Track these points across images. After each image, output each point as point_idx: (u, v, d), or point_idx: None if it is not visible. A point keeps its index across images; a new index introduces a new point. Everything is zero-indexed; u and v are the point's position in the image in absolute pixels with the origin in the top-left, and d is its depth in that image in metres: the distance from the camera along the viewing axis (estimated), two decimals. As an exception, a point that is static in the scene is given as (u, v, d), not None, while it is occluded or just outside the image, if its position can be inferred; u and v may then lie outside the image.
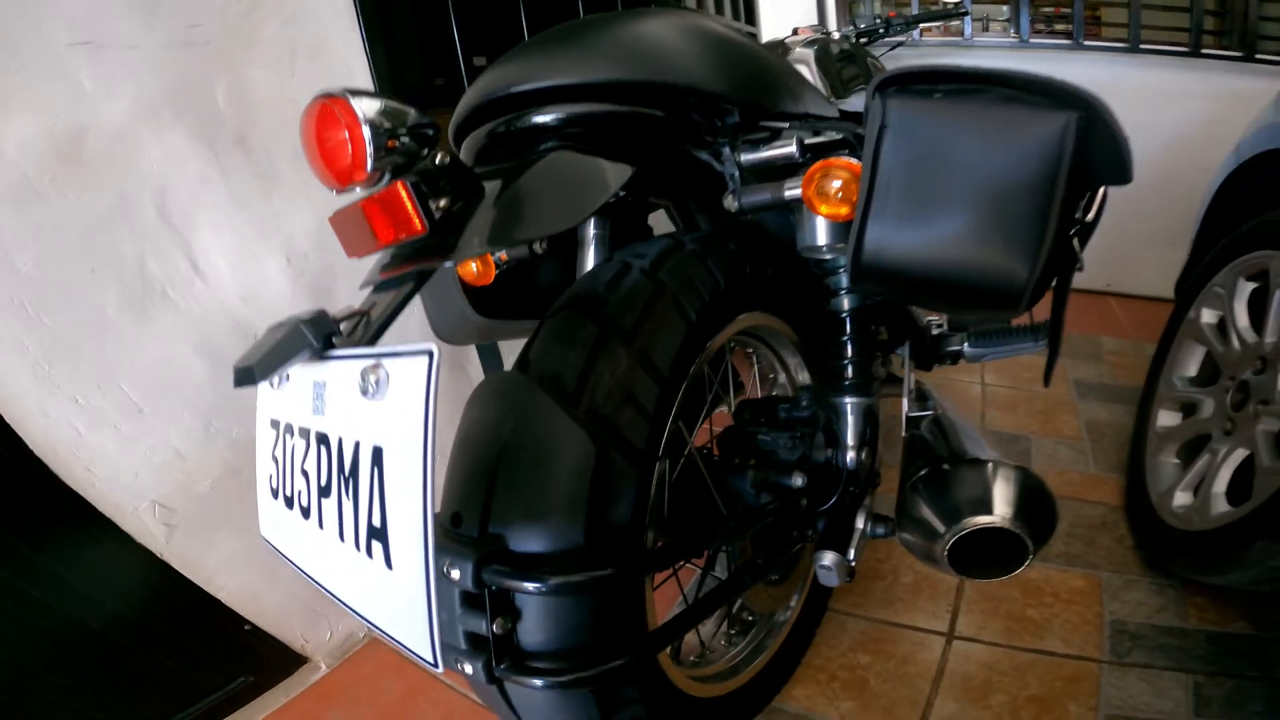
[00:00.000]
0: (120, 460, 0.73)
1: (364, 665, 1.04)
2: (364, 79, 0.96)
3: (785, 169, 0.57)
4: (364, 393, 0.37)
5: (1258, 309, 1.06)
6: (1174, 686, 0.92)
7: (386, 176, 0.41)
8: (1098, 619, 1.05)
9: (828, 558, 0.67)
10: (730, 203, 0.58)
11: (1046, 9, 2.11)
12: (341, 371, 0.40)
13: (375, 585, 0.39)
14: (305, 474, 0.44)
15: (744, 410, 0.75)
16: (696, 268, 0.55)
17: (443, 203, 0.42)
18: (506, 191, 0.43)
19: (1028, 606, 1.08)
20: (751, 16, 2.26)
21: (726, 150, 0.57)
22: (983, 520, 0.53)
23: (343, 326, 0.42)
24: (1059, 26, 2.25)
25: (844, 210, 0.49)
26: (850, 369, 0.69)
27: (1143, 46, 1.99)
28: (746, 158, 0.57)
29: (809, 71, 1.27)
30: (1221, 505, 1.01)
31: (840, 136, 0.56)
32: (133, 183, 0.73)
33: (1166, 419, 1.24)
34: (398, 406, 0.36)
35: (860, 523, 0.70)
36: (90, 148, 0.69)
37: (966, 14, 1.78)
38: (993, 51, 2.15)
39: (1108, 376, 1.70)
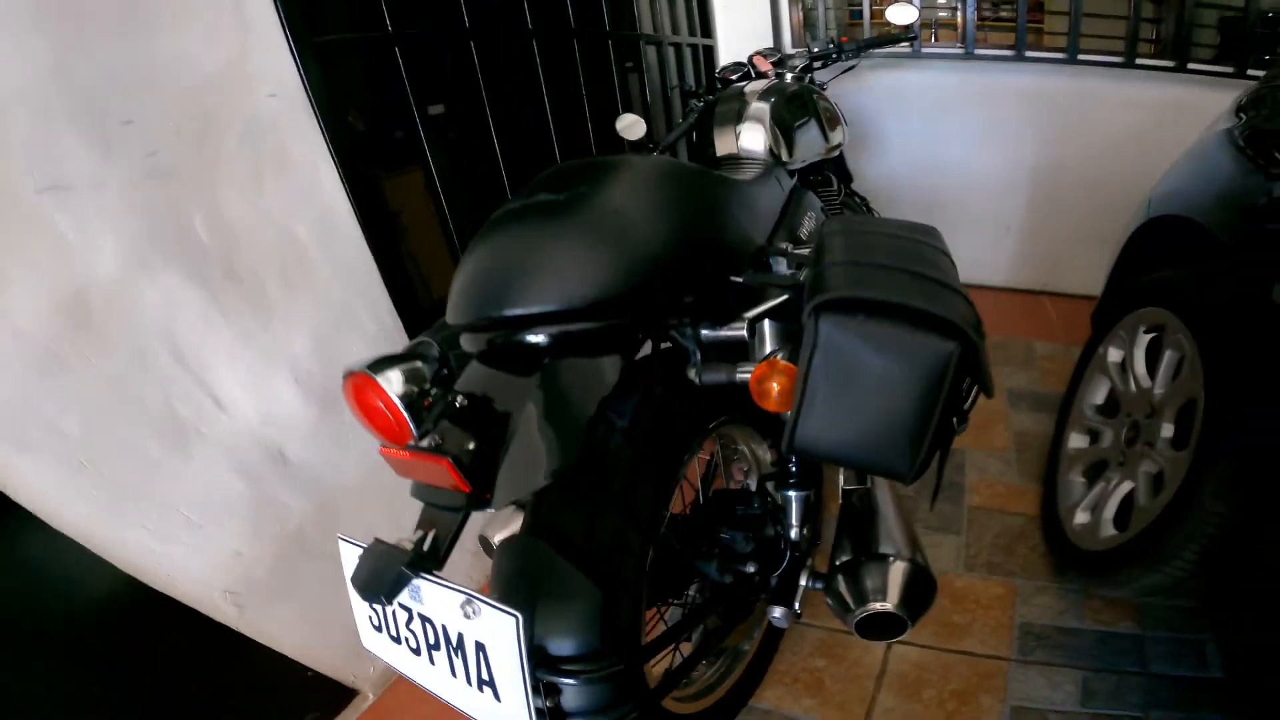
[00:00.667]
0: (191, 565, 0.86)
1: (402, 692, 1.21)
2: (332, 182, 0.99)
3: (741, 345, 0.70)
4: (465, 616, 0.53)
5: (1159, 354, 1.19)
6: (1067, 681, 1.14)
7: (430, 428, 0.54)
8: (1010, 622, 1.26)
9: (778, 610, 0.85)
10: (692, 375, 0.71)
11: (993, 21, 2.19)
12: (438, 593, 0.55)
13: (485, 706, 0.57)
14: (411, 632, 0.59)
15: (709, 506, 0.91)
16: (668, 415, 0.71)
17: (471, 445, 0.54)
18: (522, 430, 0.56)
19: (954, 613, 1.29)
20: (708, 29, 2.30)
21: (688, 330, 0.70)
22: (877, 607, 0.71)
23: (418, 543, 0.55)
24: (999, 38, 2.34)
25: (783, 409, 0.63)
26: (795, 468, 0.85)
27: (1081, 57, 2.10)
28: (705, 334, 0.70)
29: (762, 133, 1.32)
30: (1109, 529, 1.21)
31: (787, 296, 0.71)
32: (142, 335, 0.80)
33: (1076, 441, 1.43)
34: (495, 640, 0.54)
35: (803, 580, 0.87)
36: (95, 307, 0.75)
37: (915, 38, 1.85)
38: (939, 63, 2.23)
39: (1038, 384, 1.90)
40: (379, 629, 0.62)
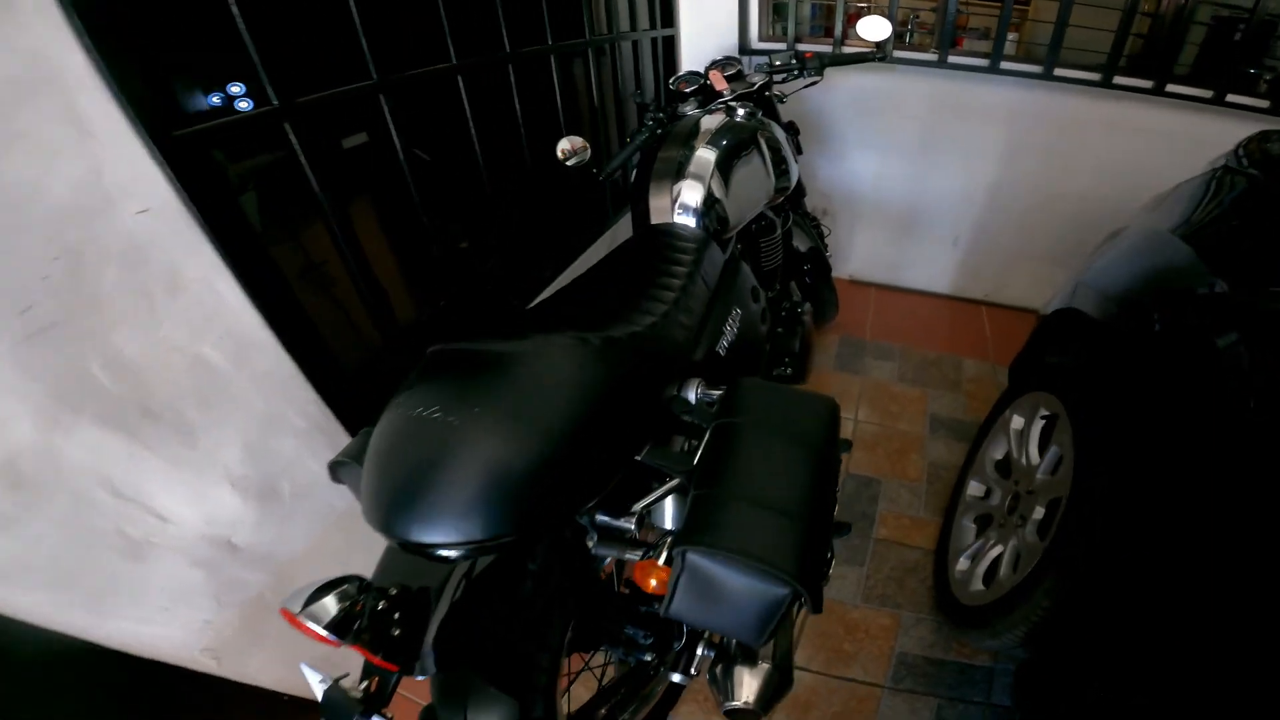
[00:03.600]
0: (169, 636, 0.97)
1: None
2: (233, 294, 0.94)
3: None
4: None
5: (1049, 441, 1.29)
6: (925, 708, 1.36)
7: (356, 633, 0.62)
8: (890, 652, 1.47)
9: (676, 675, 1.00)
10: (591, 547, 0.80)
11: (973, 28, 2.08)
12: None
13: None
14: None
15: (617, 604, 1.03)
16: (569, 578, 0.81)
17: (396, 632, 0.63)
18: (441, 608, 0.65)
19: (845, 641, 1.49)
20: (670, 18, 2.14)
21: (585, 516, 0.78)
22: (739, 704, 0.83)
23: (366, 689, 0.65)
24: (978, 46, 2.23)
25: (661, 592, 0.74)
26: None
27: (1057, 74, 2.04)
28: (601, 520, 0.79)
29: (700, 192, 1.26)
30: (978, 584, 1.38)
31: (678, 481, 0.78)
32: (77, 481, 0.82)
33: (974, 489, 1.58)
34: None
35: (699, 650, 1.01)
36: (25, 471, 0.76)
37: (884, 57, 1.77)
38: (910, 69, 2.14)
39: (961, 409, 2.03)
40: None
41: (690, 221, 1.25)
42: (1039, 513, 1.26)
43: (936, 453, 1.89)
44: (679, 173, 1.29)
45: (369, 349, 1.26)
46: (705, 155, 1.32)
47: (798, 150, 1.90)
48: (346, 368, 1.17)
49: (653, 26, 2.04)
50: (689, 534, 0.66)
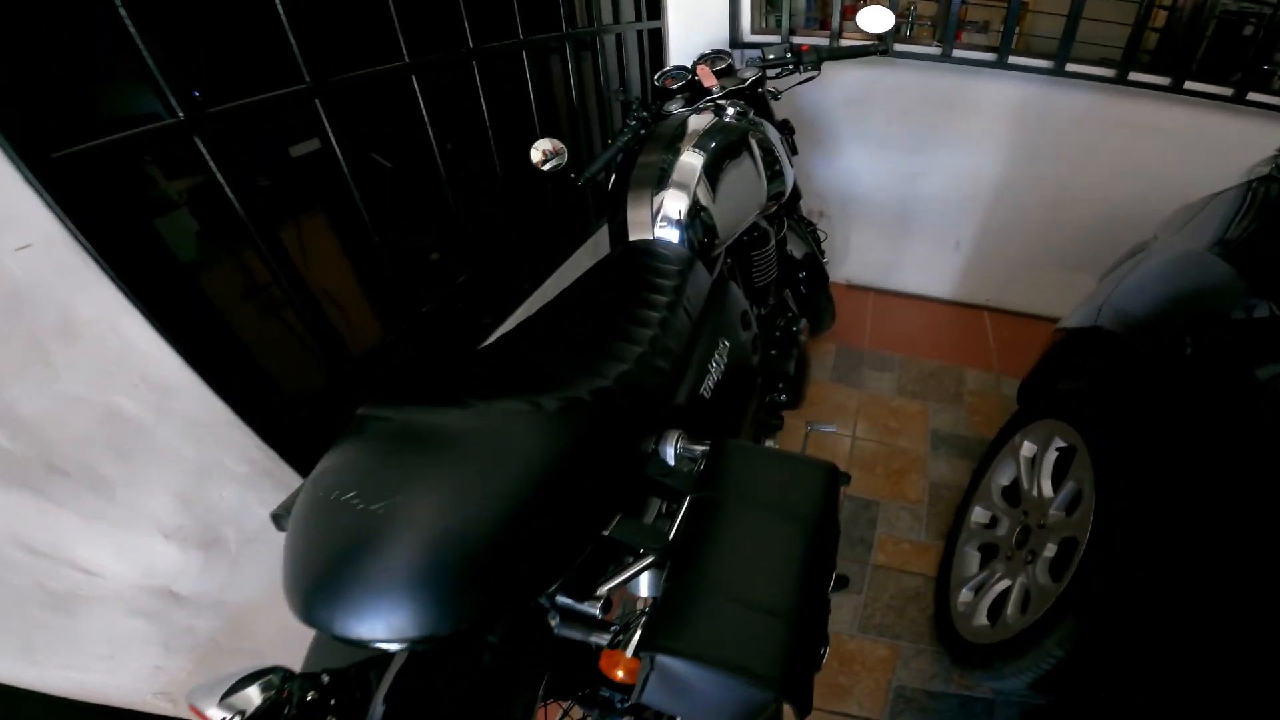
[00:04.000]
0: (116, 683, 0.90)
1: None
2: (143, 335, 0.84)
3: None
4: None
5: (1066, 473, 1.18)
6: (923, 747, 1.28)
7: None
8: (887, 685, 1.39)
9: None
10: (553, 626, 0.71)
11: (971, 21, 1.96)
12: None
13: None
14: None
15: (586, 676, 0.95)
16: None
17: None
18: (387, 697, 0.57)
19: (840, 674, 1.41)
20: (656, 9, 2.01)
21: (545, 598, 0.69)
22: None
23: None
24: (977, 40, 2.12)
25: (630, 682, 0.64)
26: None
27: (1069, 69, 1.93)
28: (562, 602, 0.69)
29: (685, 202, 1.13)
30: (981, 618, 1.30)
31: (651, 560, 0.69)
32: None
33: (979, 515, 1.50)
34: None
35: None
36: None
37: (886, 50, 1.65)
38: (912, 63, 2.02)
39: (963, 425, 1.94)
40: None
41: (673, 236, 1.12)
42: (1051, 550, 1.17)
43: (939, 472, 1.80)
44: (661, 180, 1.15)
45: (322, 381, 1.16)
46: (690, 160, 1.19)
47: (792, 151, 1.79)
48: (299, 403, 1.07)
49: (638, 18, 1.92)
50: (659, 633, 0.58)
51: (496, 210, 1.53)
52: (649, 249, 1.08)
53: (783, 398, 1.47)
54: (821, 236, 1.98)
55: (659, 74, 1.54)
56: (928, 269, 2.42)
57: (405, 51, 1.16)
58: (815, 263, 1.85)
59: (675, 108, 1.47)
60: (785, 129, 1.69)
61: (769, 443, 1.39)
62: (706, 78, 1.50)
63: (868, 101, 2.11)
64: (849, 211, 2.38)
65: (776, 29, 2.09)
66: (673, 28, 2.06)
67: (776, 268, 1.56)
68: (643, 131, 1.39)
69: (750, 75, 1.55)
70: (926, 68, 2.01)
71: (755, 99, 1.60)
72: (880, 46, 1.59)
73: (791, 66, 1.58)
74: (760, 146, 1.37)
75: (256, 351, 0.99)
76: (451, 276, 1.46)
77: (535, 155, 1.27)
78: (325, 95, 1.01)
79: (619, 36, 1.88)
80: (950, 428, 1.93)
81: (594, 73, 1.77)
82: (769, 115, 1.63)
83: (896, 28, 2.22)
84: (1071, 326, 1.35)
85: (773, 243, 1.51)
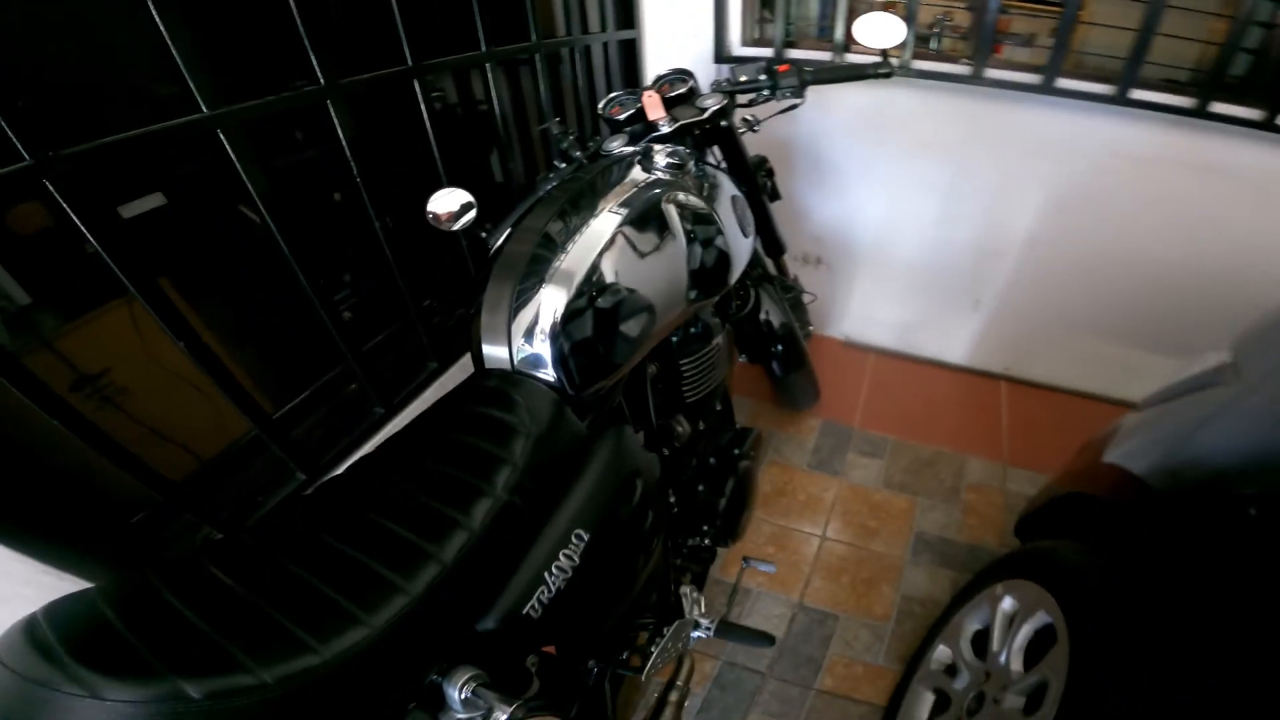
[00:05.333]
0: None
1: None
2: None
3: None
4: None
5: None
6: None
7: None
8: None
9: None
10: None
11: (1014, 33, 1.59)
12: None
13: None
14: None
15: None
16: None
17: None
18: None
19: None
20: (630, 18, 1.75)
21: None
22: None
23: None
24: (1022, 55, 1.74)
25: None
26: None
27: (1133, 96, 1.56)
28: None
29: (555, 306, 0.78)
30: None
31: None
32: None
33: (941, 654, 1.24)
34: None
35: None
36: None
37: (889, 75, 1.34)
38: (936, 85, 1.69)
39: (954, 528, 1.65)
40: None
41: (541, 362, 0.78)
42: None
43: (915, 583, 1.54)
44: (530, 275, 0.79)
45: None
46: (578, 248, 0.82)
47: (772, 196, 1.51)
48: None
49: (604, 29, 1.66)
50: None
51: (386, 278, 1.22)
52: (496, 390, 0.75)
53: (706, 541, 1.23)
54: (807, 300, 1.70)
55: (603, 102, 1.29)
56: (940, 329, 2.09)
57: (322, 74, 0.96)
58: (792, 339, 1.57)
59: (616, 146, 1.21)
60: (759, 170, 1.41)
61: (685, 588, 1.14)
62: (652, 108, 1.20)
63: (878, 130, 1.79)
64: (853, 258, 2.08)
65: (773, 41, 1.78)
66: (649, 39, 1.79)
67: (722, 367, 1.21)
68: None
69: (711, 104, 1.20)
70: (953, 90, 1.67)
71: (718, 134, 1.31)
72: (884, 69, 1.27)
73: (767, 91, 1.29)
74: (696, 218, 0.96)
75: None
76: (324, 367, 1.17)
77: (432, 208, 1.04)
78: (227, 126, 0.83)
79: (584, 49, 1.62)
80: (938, 529, 1.64)
81: (553, 94, 1.51)
82: (737, 154, 1.35)
83: (924, 38, 1.86)
84: (1106, 462, 1.04)
85: (715, 342, 1.14)
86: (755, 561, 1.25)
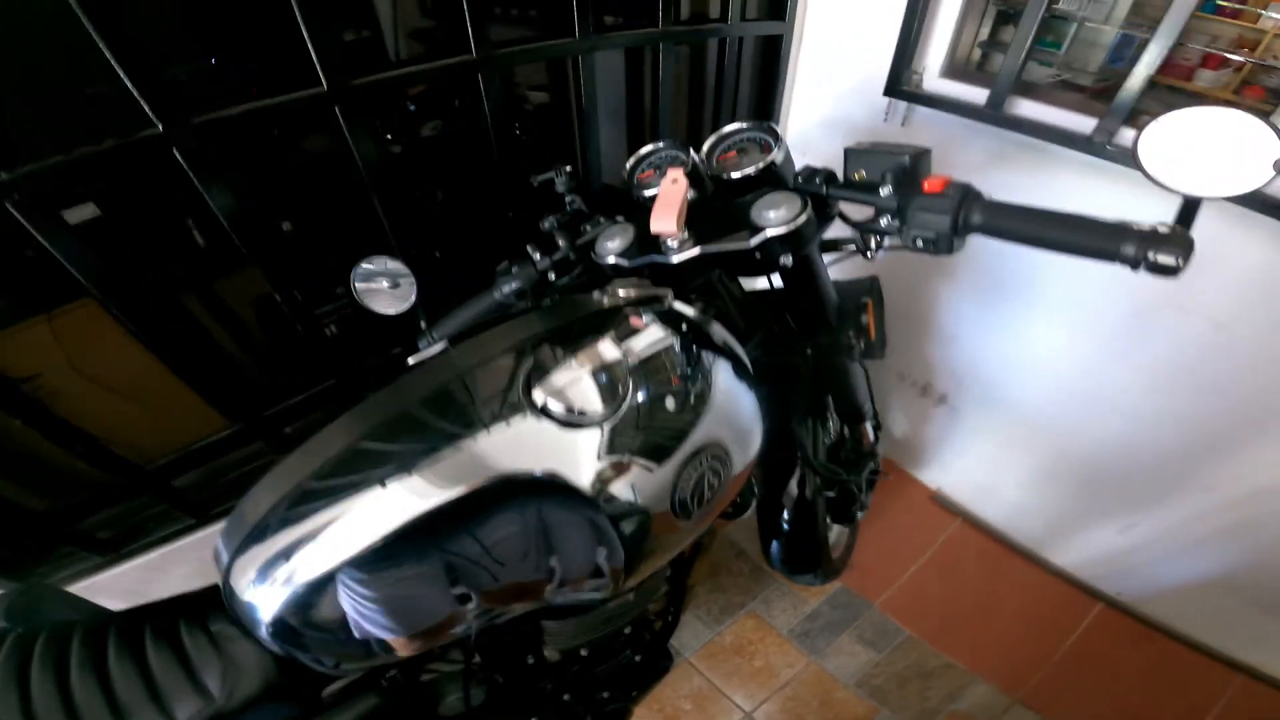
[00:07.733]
0: None
1: None
2: None
3: None
4: None
5: None
6: None
7: None
8: None
9: None
10: None
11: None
12: None
13: None
14: None
15: None
16: None
17: None
18: None
19: None
20: (780, 8, 1.12)
21: None
22: None
23: None
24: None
25: None
26: None
27: None
28: None
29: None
30: None
31: None
32: None
33: None
34: None
35: None
36: None
37: (1176, 270, 0.60)
38: (1240, 210, 0.98)
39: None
40: None
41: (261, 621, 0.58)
42: None
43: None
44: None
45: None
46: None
47: (867, 352, 1.01)
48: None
49: (744, 17, 1.09)
50: None
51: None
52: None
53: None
54: (876, 479, 1.22)
55: (636, 157, 0.85)
56: (1057, 529, 1.53)
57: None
58: (846, 494, 1.15)
59: (614, 247, 0.76)
60: (848, 322, 0.93)
61: None
62: (662, 213, 0.68)
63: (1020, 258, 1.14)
64: (989, 412, 1.52)
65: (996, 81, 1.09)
66: (806, 39, 1.17)
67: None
68: (552, 278, 0.85)
69: (775, 222, 0.65)
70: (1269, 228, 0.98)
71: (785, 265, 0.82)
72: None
73: (872, 227, 0.72)
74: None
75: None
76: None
77: (358, 288, 0.83)
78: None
79: (723, 42, 1.07)
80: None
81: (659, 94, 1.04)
82: (812, 294, 0.84)
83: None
84: None
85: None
86: None
